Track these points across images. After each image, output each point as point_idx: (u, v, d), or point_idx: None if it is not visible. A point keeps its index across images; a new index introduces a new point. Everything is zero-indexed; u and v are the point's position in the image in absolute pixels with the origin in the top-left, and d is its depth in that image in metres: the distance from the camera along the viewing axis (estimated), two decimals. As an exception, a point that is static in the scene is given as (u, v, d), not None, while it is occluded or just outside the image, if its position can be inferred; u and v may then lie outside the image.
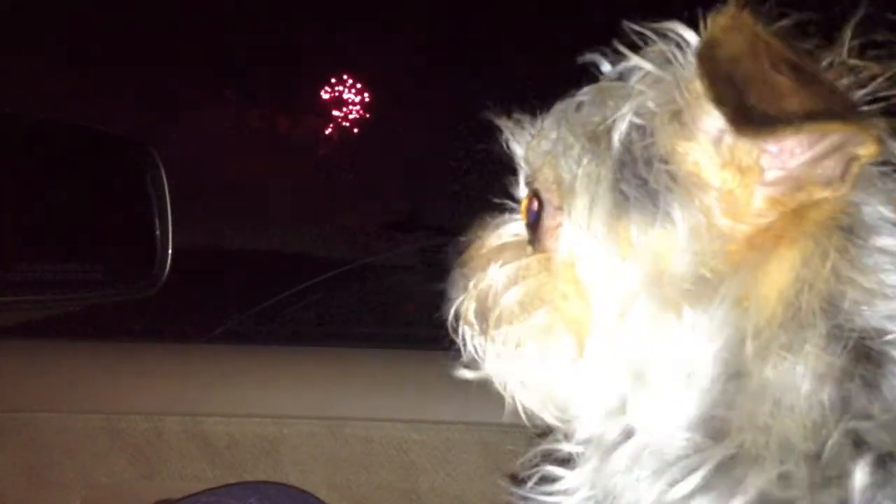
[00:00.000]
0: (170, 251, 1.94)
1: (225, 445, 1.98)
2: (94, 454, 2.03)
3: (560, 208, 0.87)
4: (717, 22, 0.75)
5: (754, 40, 0.71)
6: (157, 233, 1.94)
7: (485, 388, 1.93)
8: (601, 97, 0.87)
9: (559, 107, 0.92)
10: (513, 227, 1.03)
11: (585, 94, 0.90)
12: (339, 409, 1.95)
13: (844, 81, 0.73)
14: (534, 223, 0.92)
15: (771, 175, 0.74)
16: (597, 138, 0.83)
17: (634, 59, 0.85)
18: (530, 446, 1.75)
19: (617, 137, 0.81)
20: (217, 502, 1.44)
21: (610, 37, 0.91)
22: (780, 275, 0.73)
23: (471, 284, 0.99)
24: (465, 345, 1.03)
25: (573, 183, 0.83)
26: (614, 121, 0.82)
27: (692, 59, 0.79)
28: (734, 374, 0.74)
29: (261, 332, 2.70)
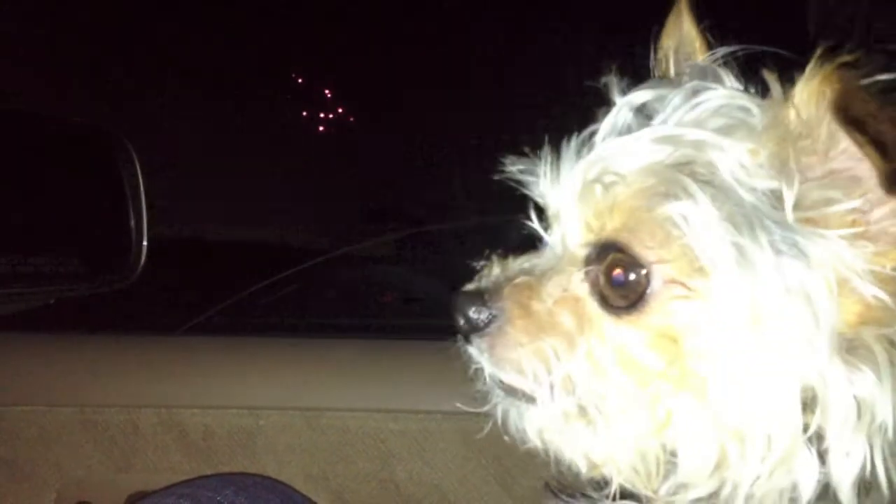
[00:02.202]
0: (144, 243, 1.92)
1: (201, 437, 1.97)
2: (70, 447, 2.02)
3: (679, 281, 0.82)
4: (830, 83, 0.77)
5: (869, 103, 0.74)
6: (132, 224, 1.92)
7: (461, 378, 1.94)
8: (674, 144, 0.83)
9: (629, 153, 0.85)
10: (560, 282, 0.92)
11: (652, 136, 0.85)
12: (316, 399, 1.95)
13: None
14: (627, 290, 0.85)
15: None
16: (715, 200, 0.80)
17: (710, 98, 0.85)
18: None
19: (745, 200, 0.79)
20: (193, 494, 1.43)
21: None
22: None
23: (552, 367, 0.88)
24: (548, 443, 0.93)
25: (714, 256, 0.79)
26: (732, 179, 0.81)
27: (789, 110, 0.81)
28: None
29: (237, 324, 2.69)
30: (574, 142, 0.93)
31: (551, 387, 0.88)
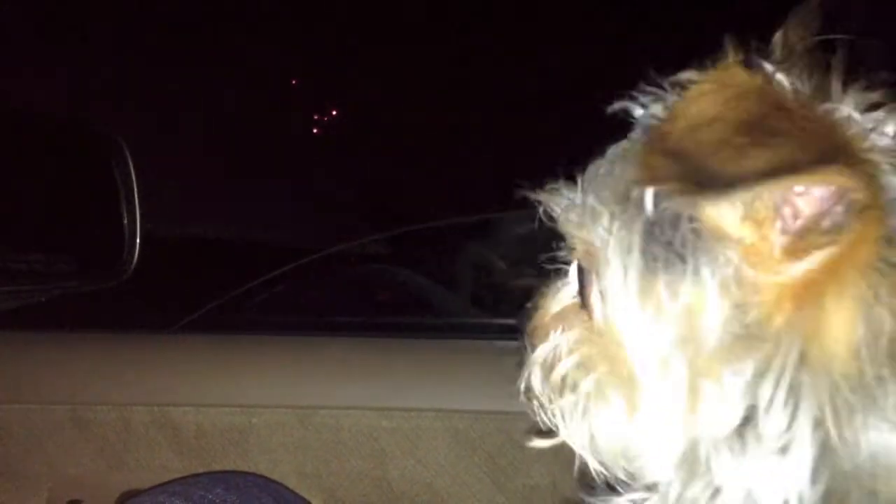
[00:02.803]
0: (137, 240, 1.93)
1: (193, 435, 1.97)
2: (61, 446, 2.01)
3: (596, 274, 0.89)
4: (699, 85, 0.78)
5: (730, 99, 0.72)
6: (125, 221, 1.92)
7: (454, 376, 1.94)
8: (624, 157, 0.89)
9: (588, 173, 0.93)
10: (570, 291, 1.05)
11: (610, 155, 0.92)
12: (309, 397, 1.94)
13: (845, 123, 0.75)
14: (580, 290, 0.96)
15: (783, 226, 0.74)
16: (623, 203, 0.84)
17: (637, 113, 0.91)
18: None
19: (645, 200, 0.81)
20: (184, 492, 1.42)
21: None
22: (841, 327, 0.72)
23: (535, 354, 1.02)
24: (537, 415, 1.05)
25: (604, 250, 0.85)
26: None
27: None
28: (820, 444, 0.73)
29: (230, 321, 2.68)
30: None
31: (534, 370, 1.02)
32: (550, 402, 1.01)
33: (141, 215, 1.94)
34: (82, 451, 2.00)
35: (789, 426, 0.74)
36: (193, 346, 2.09)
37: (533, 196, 1.02)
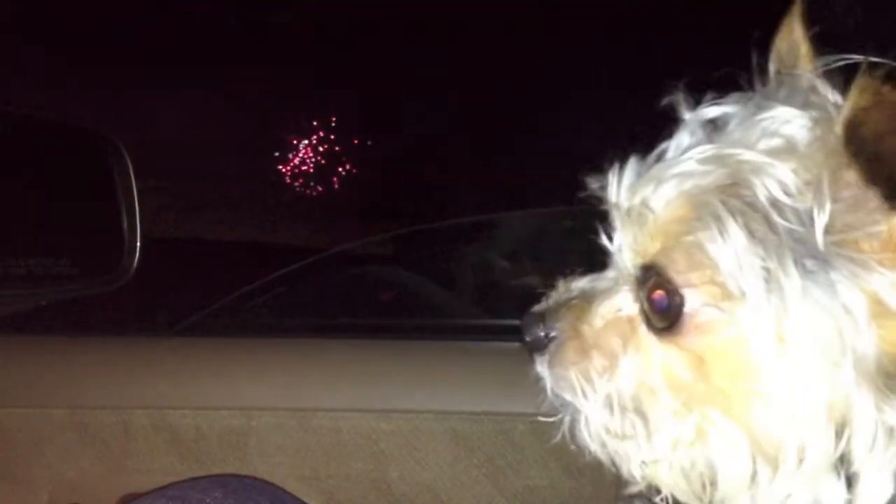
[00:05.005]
0: (137, 244, 1.92)
1: (192, 439, 1.97)
2: (61, 449, 2.01)
3: (712, 305, 0.83)
4: (858, 98, 0.74)
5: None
6: (125, 225, 1.92)
7: (454, 377, 1.94)
8: (720, 166, 0.84)
9: (674, 176, 0.86)
10: (614, 303, 0.97)
11: (699, 157, 0.86)
12: (308, 400, 1.94)
13: None
14: (667, 313, 0.87)
15: None
16: (749, 224, 0.79)
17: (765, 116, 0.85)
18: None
19: (779, 224, 0.79)
20: (182, 496, 1.42)
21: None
22: None
23: (596, 385, 0.95)
24: (604, 453, 0.97)
25: (742, 282, 0.80)
26: (768, 202, 0.80)
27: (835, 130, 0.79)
28: None
29: (229, 324, 2.68)
30: (648, 160, 0.94)
31: (597, 403, 0.94)
32: (623, 438, 0.93)
33: (140, 218, 1.94)
34: (82, 455, 2.00)
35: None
36: (192, 350, 2.09)
37: (597, 189, 0.97)
